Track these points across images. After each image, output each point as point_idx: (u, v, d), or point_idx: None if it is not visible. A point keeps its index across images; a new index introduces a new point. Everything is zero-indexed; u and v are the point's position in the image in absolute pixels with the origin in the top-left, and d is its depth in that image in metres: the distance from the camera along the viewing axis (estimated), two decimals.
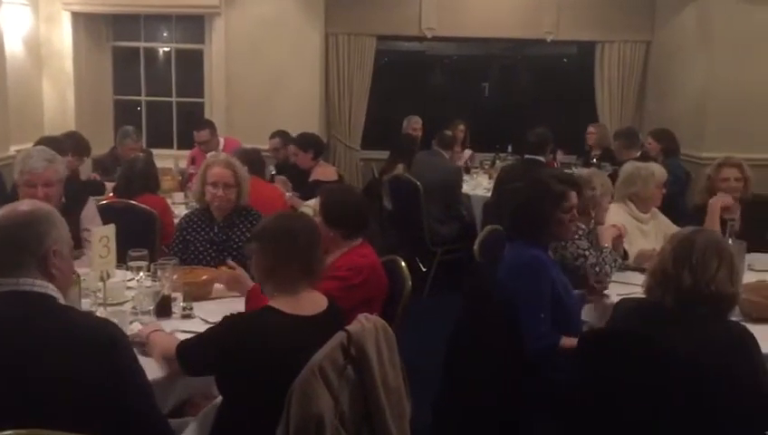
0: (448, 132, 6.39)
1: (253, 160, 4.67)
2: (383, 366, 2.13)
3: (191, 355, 2.17)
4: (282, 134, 6.11)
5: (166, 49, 7.64)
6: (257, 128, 6.66)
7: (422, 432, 2.61)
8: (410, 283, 2.94)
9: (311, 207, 3.80)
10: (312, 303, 2.18)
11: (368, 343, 2.09)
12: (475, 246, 3.67)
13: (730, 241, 3.47)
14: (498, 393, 2.77)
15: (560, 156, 6.94)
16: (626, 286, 3.26)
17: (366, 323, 2.13)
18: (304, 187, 5.10)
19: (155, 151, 6.55)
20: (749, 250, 3.65)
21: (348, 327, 2.08)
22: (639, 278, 3.31)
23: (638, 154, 5.82)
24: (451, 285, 5.21)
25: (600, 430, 2.28)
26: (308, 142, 5.40)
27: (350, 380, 2.05)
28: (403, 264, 3.04)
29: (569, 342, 2.71)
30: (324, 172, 5.20)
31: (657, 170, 3.93)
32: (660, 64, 7.82)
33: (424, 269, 5.86)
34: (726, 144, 6.61)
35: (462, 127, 7.52)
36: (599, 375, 2.27)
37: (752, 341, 2.15)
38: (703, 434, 2.08)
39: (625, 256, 3.57)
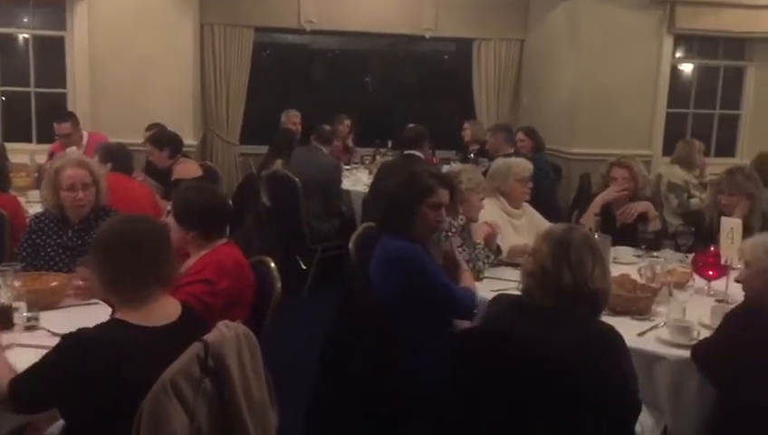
0: (327, 127, 6.29)
1: (117, 157, 4.39)
2: (245, 377, 1.99)
3: (28, 393, 1.88)
4: (156, 128, 5.79)
5: (24, 36, 7.08)
6: (126, 122, 6.29)
7: None
8: (280, 284, 2.81)
9: None
10: (163, 312, 1.99)
11: (228, 353, 1.94)
12: (351, 244, 3.59)
13: (596, 236, 3.58)
14: (372, 394, 2.71)
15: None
16: (499, 282, 3.28)
17: (226, 332, 1.98)
18: (167, 185, 4.83)
19: (12, 146, 6.07)
20: (623, 244, 3.80)
21: (205, 337, 1.93)
22: (513, 274, 3.37)
23: (512, 151, 5.95)
24: (332, 282, 5.12)
25: (474, 430, 2.25)
26: (163, 140, 5.11)
27: (209, 394, 1.90)
28: (273, 264, 2.90)
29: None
30: (186, 169, 4.95)
31: (516, 165, 3.98)
32: (533, 62, 8.07)
33: (304, 267, 5.75)
34: (594, 140, 6.93)
35: (347, 122, 7.45)
36: (472, 375, 2.23)
37: (619, 340, 2.18)
38: (573, 434, 2.08)
39: (498, 251, 3.60)
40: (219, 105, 7.63)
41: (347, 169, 6.62)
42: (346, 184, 6.15)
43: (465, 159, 6.83)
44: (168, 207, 2.82)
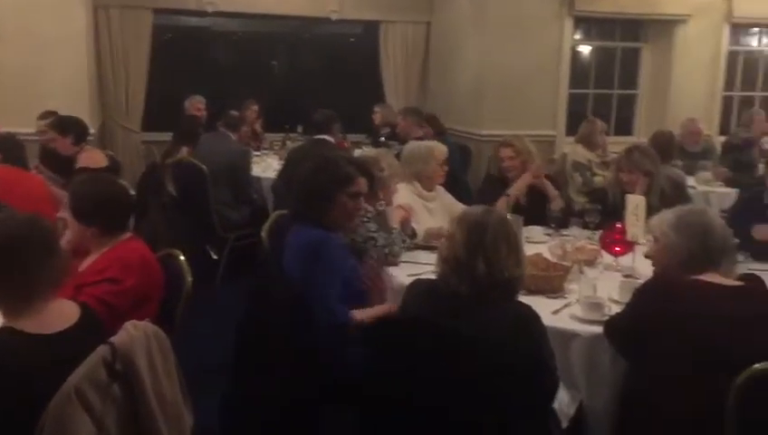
0: (235, 113, 6.11)
1: (7, 147, 4.12)
2: (157, 379, 1.89)
3: None
4: (51, 116, 5.45)
5: None
6: (15, 110, 5.89)
7: None
8: (191, 278, 2.70)
9: None
10: (59, 316, 1.85)
11: (137, 354, 1.84)
12: (263, 233, 3.50)
13: (508, 216, 3.62)
14: (289, 386, 2.64)
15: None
16: (416, 266, 3.27)
17: (134, 332, 1.87)
18: (70, 175, 4.56)
19: None
20: (532, 223, 3.86)
21: (112, 339, 1.82)
22: (428, 257, 3.37)
23: (423, 134, 5.98)
24: (245, 272, 5.00)
25: (396, 420, 2.23)
26: (66, 125, 4.83)
27: (117, 399, 1.80)
28: (182, 258, 2.78)
29: (361, 314, 2.63)
30: (92, 158, 4.69)
31: (437, 148, 4.00)
32: (440, 45, 8.11)
33: (215, 257, 5.60)
34: (501, 121, 7.03)
35: (255, 107, 7.28)
36: (392, 364, 2.21)
37: (537, 322, 2.20)
38: (494, 417, 2.09)
39: (413, 234, 3.59)
40: (118, 91, 7.30)
41: (256, 156, 6.46)
42: (256, 171, 6.01)
43: (375, 143, 6.82)
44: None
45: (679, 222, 2.38)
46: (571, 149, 6.15)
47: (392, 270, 3.28)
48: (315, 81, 8.89)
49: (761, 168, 6.11)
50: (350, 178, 2.78)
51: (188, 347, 2.41)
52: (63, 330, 1.83)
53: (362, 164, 3.05)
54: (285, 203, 4.08)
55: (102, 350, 1.78)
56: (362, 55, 8.76)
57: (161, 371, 1.93)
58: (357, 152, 6.26)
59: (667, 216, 2.45)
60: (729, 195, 5.72)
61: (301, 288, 2.64)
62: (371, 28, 8.34)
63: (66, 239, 2.48)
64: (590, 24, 7.88)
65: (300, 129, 7.17)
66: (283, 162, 5.77)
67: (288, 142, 6.80)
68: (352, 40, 9.21)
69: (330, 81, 8.78)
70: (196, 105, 6.96)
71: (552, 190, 4.22)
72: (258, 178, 5.92)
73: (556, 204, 4.16)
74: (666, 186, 4.09)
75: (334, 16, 7.87)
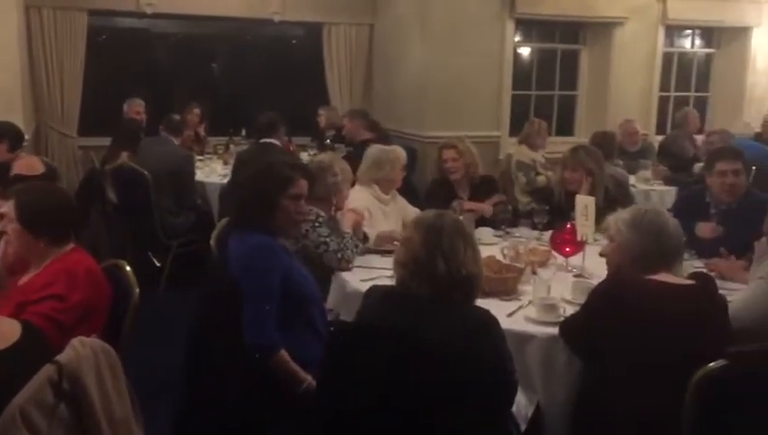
0: (177, 117, 5.97)
1: None
2: (106, 396, 1.81)
3: None
4: None
5: None
6: None
7: None
8: (138, 290, 2.60)
9: None
10: None
11: (85, 372, 1.75)
12: (212, 241, 3.41)
13: (461, 218, 3.62)
14: (240, 397, 2.57)
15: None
16: (369, 271, 3.25)
17: (81, 350, 1.79)
18: (5, 183, 4.36)
19: None
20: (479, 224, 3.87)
21: (58, 357, 1.73)
22: (381, 261, 3.36)
23: (370, 136, 5.96)
24: (190, 280, 4.88)
25: (356, 427, 2.19)
26: (1, 131, 4.65)
27: (65, 420, 1.71)
28: (128, 268, 2.68)
29: (291, 365, 2.54)
30: (28, 165, 4.48)
31: (401, 153, 4.04)
32: (384, 47, 8.10)
33: (158, 265, 5.45)
34: (446, 123, 7.06)
35: (197, 110, 7.13)
36: (350, 371, 2.17)
37: (495, 323, 2.20)
38: (454, 422, 2.07)
39: (365, 238, 3.56)
40: (53, 95, 7.05)
41: (200, 160, 6.33)
42: (200, 176, 5.88)
43: (321, 146, 6.76)
44: (3, 209, 2.48)
45: (635, 221, 2.41)
46: (516, 150, 6.23)
47: (345, 275, 3.24)
48: (258, 83, 8.76)
49: (696, 166, 6.31)
50: (291, 180, 2.70)
51: (135, 359, 2.33)
52: (6, 349, 1.72)
53: (302, 166, 2.98)
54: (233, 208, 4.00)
55: (48, 369, 1.69)
56: (305, 57, 8.68)
57: (110, 388, 1.85)
58: (304, 156, 6.21)
59: (622, 215, 2.48)
60: (669, 193, 5.89)
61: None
62: (314, 30, 8.28)
63: (10, 252, 2.35)
64: (531, 27, 7.99)
65: (244, 132, 7.05)
66: (230, 167, 5.67)
67: (232, 146, 6.67)
68: (294, 42, 9.12)
69: (272, 83, 8.67)
70: (135, 108, 6.77)
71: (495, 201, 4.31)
72: (202, 184, 5.80)
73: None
74: (609, 185, 4.16)
75: (276, 18, 7.77)
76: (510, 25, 7.32)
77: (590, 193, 3.90)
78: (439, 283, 2.16)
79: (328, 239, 3.26)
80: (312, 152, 6.66)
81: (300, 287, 2.66)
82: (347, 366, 2.18)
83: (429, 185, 4.68)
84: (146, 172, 5.21)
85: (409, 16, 7.49)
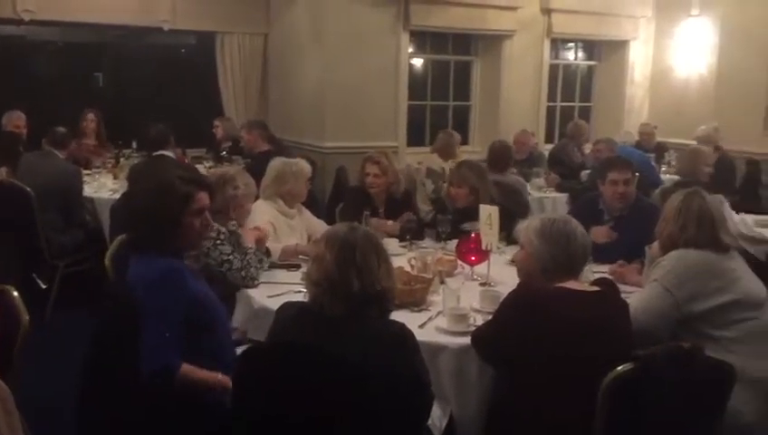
0: (61, 129, 5.63)
1: None
2: None
3: None
4: None
5: None
6: None
7: None
8: (27, 316, 2.42)
9: None
10: None
11: None
12: (107, 260, 3.22)
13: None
14: (143, 426, 2.43)
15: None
16: (275, 286, 3.17)
17: None
18: None
19: None
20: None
21: None
22: (288, 276, 3.29)
23: (269, 148, 5.86)
24: (80, 301, 4.61)
25: None
26: None
27: None
28: (15, 293, 2.48)
29: (197, 372, 2.40)
30: None
31: (305, 166, 3.98)
32: (279, 57, 8.02)
33: (44, 286, 5.12)
34: (345, 134, 7.07)
35: (91, 115, 6.77)
36: (263, 392, 2.10)
37: (410, 336, 2.19)
38: None
39: (267, 253, 3.48)
40: None
41: (87, 175, 6.00)
42: (88, 191, 5.57)
43: (217, 158, 6.59)
44: None
45: (544, 230, 2.47)
46: (427, 158, 6.35)
47: (251, 292, 3.15)
48: (147, 93, 8.45)
49: (584, 173, 6.60)
50: (191, 196, 2.56)
51: (23, 388, 2.15)
52: None
53: (200, 178, 2.83)
54: (125, 225, 3.80)
55: None
56: (197, 67, 8.45)
57: (3, 424, 1.70)
58: (200, 168, 6.02)
59: (533, 223, 2.53)
60: (561, 199, 6.12)
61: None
62: (205, 39, 8.08)
63: None
64: (425, 38, 8.12)
65: (135, 145, 6.75)
66: (121, 181, 5.41)
67: (122, 159, 6.37)
68: (184, 51, 8.86)
69: (163, 93, 8.39)
70: (14, 121, 6.34)
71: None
72: (91, 199, 5.50)
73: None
74: (495, 197, 4.14)
75: (166, 26, 7.52)
76: (404, 37, 7.41)
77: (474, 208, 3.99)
78: (354, 300, 2.13)
79: (231, 257, 3.15)
80: (207, 164, 6.47)
81: (207, 312, 2.53)
82: (262, 386, 2.11)
83: (347, 194, 4.64)
84: (28, 189, 4.88)
85: (304, 27, 7.44)
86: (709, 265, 2.69)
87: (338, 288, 2.12)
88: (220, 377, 2.42)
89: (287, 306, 2.34)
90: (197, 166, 6.10)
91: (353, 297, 2.12)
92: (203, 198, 2.61)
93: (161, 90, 8.42)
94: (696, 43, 8.28)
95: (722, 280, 2.65)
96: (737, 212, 5.23)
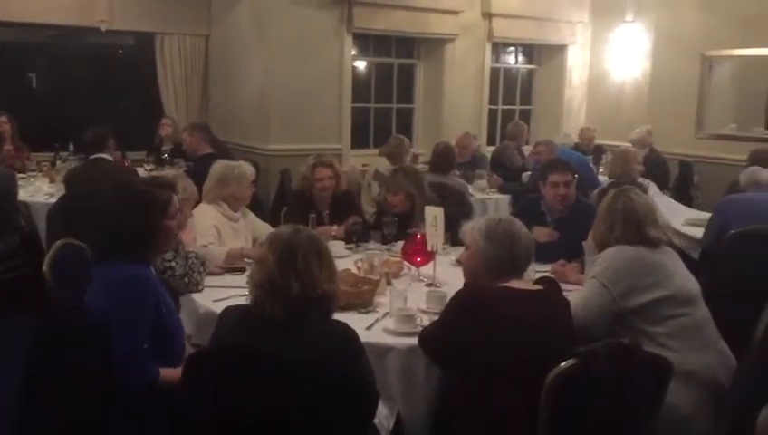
0: None
1: None
2: None
3: None
4: None
5: None
6: None
7: None
8: None
9: None
10: None
11: None
12: (45, 266, 3.13)
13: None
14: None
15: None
16: (220, 290, 3.13)
17: None
18: None
19: None
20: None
21: None
22: (233, 280, 3.26)
23: (212, 150, 5.80)
24: (14, 309, 4.46)
25: None
26: None
27: None
28: None
29: (170, 373, 2.40)
30: None
31: (248, 169, 3.93)
32: (221, 59, 7.93)
33: None
34: (289, 136, 7.04)
35: (4, 119, 6.52)
36: (213, 398, 2.08)
37: (354, 336, 2.20)
38: None
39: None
40: None
41: (22, 178, 5.80)
42: (23, 195, 5.39)
43: (158, 160, 6.48)
44: None
45: (489, 231, 2.52)
46: (374, 161, 6.39)
47: (196, 297, 3.11)
48: (83, 95, 8.23)
49: (525, 175, 6.74)
50: (168, 201, 2.58)
51: None
52: None
53: (165, 181, 2.82)
54: (64, 229, 3.70)
55: None
56: (137, 68, 8.28)
57: None
58: (140, 171, 5.92)
59: (478, 224, 2.58)
60: (503, 200, 6.23)
61: (109, 330, 2.37)
62: (144, 40, 7.93)
63: None
64: (368, 41, 8.16)
65: (72, 147, 6.57)
66: (57, 185, 5.26)
67: (59, 163, 6.19)
68: (122, 52, 8.67)
69: (100, 95, 8.17)
70: None
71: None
72: (26, 204, 5.33)
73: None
74: (433, 200, 4.16)
75: (103, 27, 7.34)
76: (348, 39, 7.43)
77: (412, 213, 4.03)
78: (294, 303, 2.14)
79: (173, 263, 3.11)
80: (148, 167, 6.35)
81: (168, 318, 2.52)
82: (206, 390, 2.09)
83: (290, 197, 4.62)
84: None
85: (246, 29, 7.38)
86: (643, 260, 2.78)
87: (278, 291, 2.13)
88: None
89: (230, 310, 2.33)
90: (138, 169, 5.99)
91: (293, 300, 2.12)
92: (175, 199, 2.63)
93: (99, 91, 8.21)
94: (631, 48, 8.54)
95: (656, 276, 2.75)
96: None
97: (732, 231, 4.19)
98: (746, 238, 4.14)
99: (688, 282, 2.82)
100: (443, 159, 5.72)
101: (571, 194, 3.89)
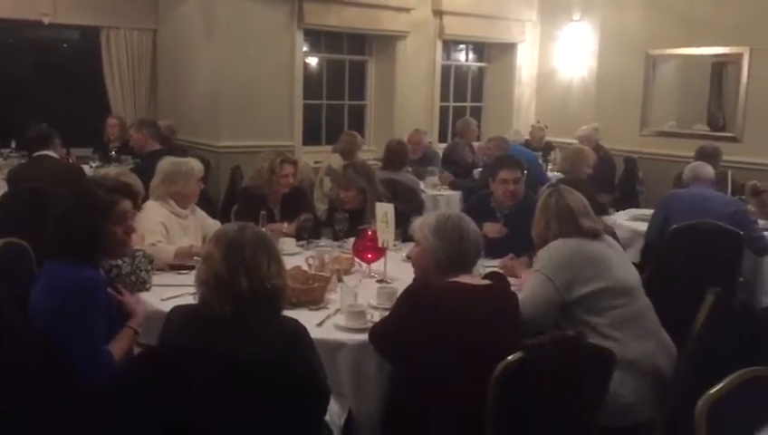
0: None
1: None
2: None
3: None
4: None
5: None
6: None
7: None
8: None
9: None
10: None
11: None
12: None
13: (264, 229, 3.58)
14: None
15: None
16: (168, 289, 3.09)
17: None
18: None
19: None
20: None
21: None
22: (182, 278, 3.22)
23: (159, 147, 5.71)
24: None
25: None
26: None
27: None
28: None
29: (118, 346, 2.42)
30: None
31: (196, 166, 3.86)
32: (169, 53, 7.81)
33: None
34: (239, 133, 6.98)
35: None
36: (162, 396, 2.05)
37: (303, 332, 2.20)
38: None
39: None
40: None
41: None
42: None
43: (105, 158, 6.35)
44: None
45: (438, 227, 2.54)
46: (327, 157, 6.36)
47: (144, 296, 3.05)
48: (26, 90, 8.00)
49: (476, 172, 6.80)
50: (113, 204, 2.51)
51: None
52: None
53: (123, 185, 2.75)
54: (5, 229, 3.60)
55: None
56: (82, 63, 8.08)
57: None
58: (86, 168, 5.79)
59: (428, 220, 2.60)
60: (454, 196, 6.29)
61: (52, 334, 2.32)
62: (89, 34, 7.75)
63: None
64: (320, 37, 8.13)
65: (14, 144, 6.38)
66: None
67: (0, 160, 6.02)
68: (66, 46, 8.45)
69: (44, 90, 7.95)
70: None
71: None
72: None
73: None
74: (385, 196, 4.17)
75: (46, 20, 7.13)
76: (299, 35, 7.39)
77: (363, 209, 4.04)
78: (243, 300, 2.13)
79: (119, 262, 3.05)
80: (94, 165, 6.22)
81: (114, 323, 2.48)
82: (154, 389, 2.07)
83: (241, 194, 4.57)
84: None
85: (195, 23, 7.28)
86: (582, 252, 2.86)
87: (226, 287, 2.12)
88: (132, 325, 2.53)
89: (177, 309, 2.31)
90: (84, 166, 5.86)
91: (242, 296, 2.12)
92: (126, 205, 2.57)
93: (43, 87, 7.99)
94: (578, 47, 8.70)
95: (595, 268, 2.82)
96: (617, 210, 5.57)
97: (673, 226, 4.32)
98: (686, 233, 4.27)
99: (628, 273, 2.90)
100: (396, 156, 5.74)
101: (520, 190, 3.95)
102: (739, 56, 7.08)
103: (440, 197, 6.27)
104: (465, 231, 2.53)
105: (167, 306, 2.69)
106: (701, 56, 7.56)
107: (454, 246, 2.50)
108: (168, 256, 3.43)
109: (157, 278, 3.23)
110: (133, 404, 2.10)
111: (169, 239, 3.50)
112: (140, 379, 2.10)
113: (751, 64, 6.98)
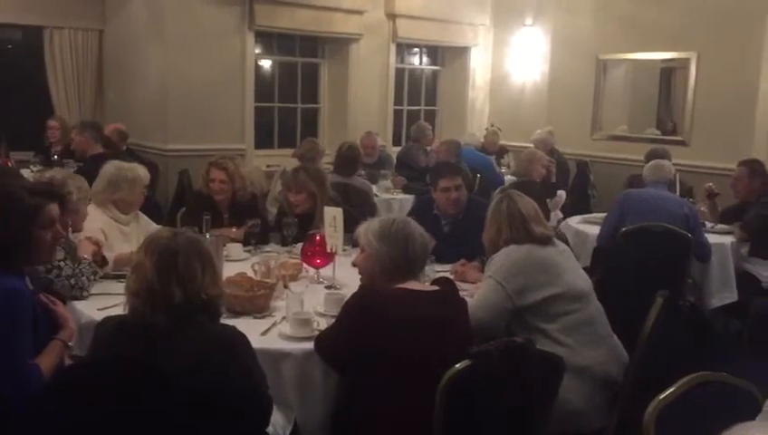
0: None
1: None
2: None
3: None
4: None
5: None
6: None
7: None
8: None
9: None
10: None
11: None
12: None
13: (207, 236, 3.48)
14: None
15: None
16: (107, 298, 2.95)
17: None
18: None
19: None
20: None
21: None
22: (120, 287, 3.06)
23: (102, 150, 5.53)
24: None
25: None
26: None
27: None
28: None
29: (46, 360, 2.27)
30: None
31: (143, 173, 3.72)
32: (116, 54, 7.61)
33: None
34: (189, 136, 6.82)
35: None
36: (91, 411, 1.94)
37: (243, 340, 2.11)
38: None
39: (103, 262, 3.25)
40: None
41: None
42: None
43: (47, 161, 6.13)
44: None
45: (383, 232, 2.48)
46: (284, 161, 6.26)
47: (79, 305, 2.92)
48: None
49: (429, 177, 6.76)
50: (38, 209, 2.37)
51: None
52: None
53: (46, 188, 2.62)
54: None
55: None
56: (25, 64, 7.82)
57: None
58: (26, 172, 5.59)
59: (372, 225, 2.53)
60: (408, 200, 6.24)
61: None
62: (32, 34, 7.50)
63: None
64: (272, 39, 8.01)
65: None
66: None
67: None
68: (10, 47, 8.17)
69: None
70: None
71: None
72: None
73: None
74: (336, 200, 4.10)
75: None
76: (250, 37, 7.27)
77: (314, 214, 3.95)
78: (177, 310, 2.03)
79: (61, 263, 2.92)
80: (35, 169, 6.00)
81: (39, 337, 2.33)
82: (85, 403, 1.95)
83: (190, 198, 4.43)
84: None
85: (143, 24, 7.11)
86: (534, 259, 2.83)
87: (158, 298, 2.01)
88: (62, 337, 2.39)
89: (107, 320, 2.20)
90: (23, 171, 5.65)
91: (175, 307, 2.02)
92: (53, 209, 2.43)
93: None
94: (531, 51, 8.76)
95: (547, 274, 2.80)
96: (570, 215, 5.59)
97: (623, 229, 4.34)
98: (636, 236, 4.30)
99: (579, 279, 2.88)
100: (347, 160, 5.66)
101: (462, 197, 3.88)
102: (687, 61, 7.20)
103: (393, 200, 6.22)
104: (410, 236, 2.47)
105: (102, 316, 2.56)
106: (650, 61, 7.67)
107: (399, 252, 2.44)
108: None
109: (95, 287, 3.09)
110: (61, 419, 1.98)
111: (108, 246, 3.36)
112: (68, 393, 1.98)
113: (698, 69, 7.09)
